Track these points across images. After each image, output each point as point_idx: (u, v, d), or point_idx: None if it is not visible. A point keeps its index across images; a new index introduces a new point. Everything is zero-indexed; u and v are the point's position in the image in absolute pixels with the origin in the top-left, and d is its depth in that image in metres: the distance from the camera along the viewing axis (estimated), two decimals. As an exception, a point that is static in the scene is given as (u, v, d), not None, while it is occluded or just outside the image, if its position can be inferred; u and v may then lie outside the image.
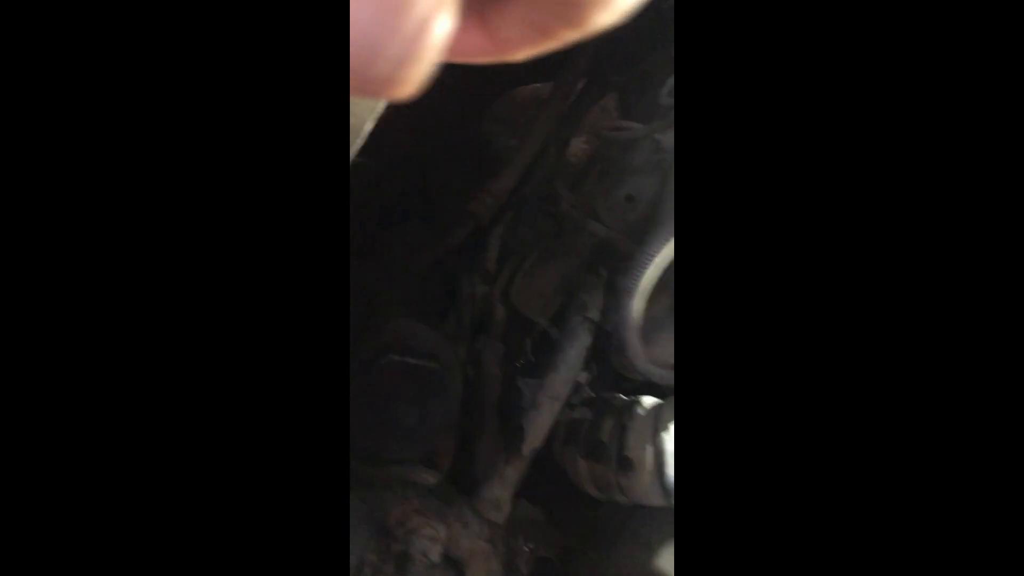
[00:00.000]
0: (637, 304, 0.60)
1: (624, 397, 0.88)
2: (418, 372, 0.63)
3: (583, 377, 0.96)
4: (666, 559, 0.91)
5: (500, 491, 0.81)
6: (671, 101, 0.93)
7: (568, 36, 0.19)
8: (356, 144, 0.43)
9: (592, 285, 0.97)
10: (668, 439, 0.78)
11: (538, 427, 0.84)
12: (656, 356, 0.59)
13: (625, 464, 0.79)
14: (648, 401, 0.85)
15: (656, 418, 0.80)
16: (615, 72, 1.20)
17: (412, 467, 0.65)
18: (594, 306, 0.93)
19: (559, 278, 1.14)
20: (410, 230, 1.01)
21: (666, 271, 0.66)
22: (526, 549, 0.71)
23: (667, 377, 0.65)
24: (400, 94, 0.19)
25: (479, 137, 1.26)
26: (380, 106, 0.43)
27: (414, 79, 0.18)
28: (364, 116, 0.43)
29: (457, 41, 0.19)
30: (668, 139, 0.99)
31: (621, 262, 1.04)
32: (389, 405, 0.63)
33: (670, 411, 0.80)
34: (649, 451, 0.78)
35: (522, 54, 0.23)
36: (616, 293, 1.00)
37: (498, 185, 1.11)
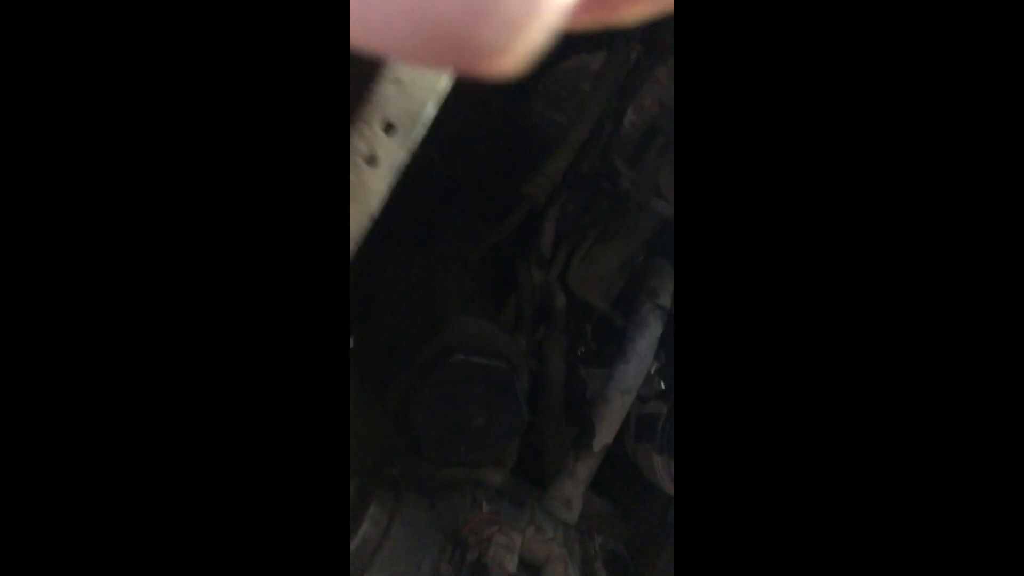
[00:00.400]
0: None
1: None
2: (486, 372, 0.59)
3: (654, 367, 0.91)
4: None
5: (571, 489, 0.76)
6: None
7: None
8: (417, 131, 0.38)
9: (660, 269, 0.91)
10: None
11: (609, 422, 0.79)
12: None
13: (706, 461, 0.74)
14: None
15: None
16: (672, 37, 1.13)
17: (478, 467, 0.62)
18: (664, 291, 0.87)
19: (620, 261, 1.08)
20: (464, 219, 0.97)
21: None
22: (598, 545, 0.67)
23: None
24: (504, 68, 0.14)
25: (529, 116, 1.20)
26: (442, 86, 0.38)
27: (525, 49, 0.13)
28: (424, 98, 0.38)
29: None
30: None
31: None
32: (457, 407, 0.59)
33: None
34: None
35: (631, 14, 0.19)
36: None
37: (552, 165, 1.05)
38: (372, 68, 0.32)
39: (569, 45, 1.37)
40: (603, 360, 0.95)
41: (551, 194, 1.08)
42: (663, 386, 0.87)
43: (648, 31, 1.08)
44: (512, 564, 0.58)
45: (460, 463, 0.62)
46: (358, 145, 0.33)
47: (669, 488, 0.81)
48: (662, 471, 0.79)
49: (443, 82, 0.34)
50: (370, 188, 0.33)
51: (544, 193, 1.05)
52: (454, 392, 0.60)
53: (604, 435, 0.79)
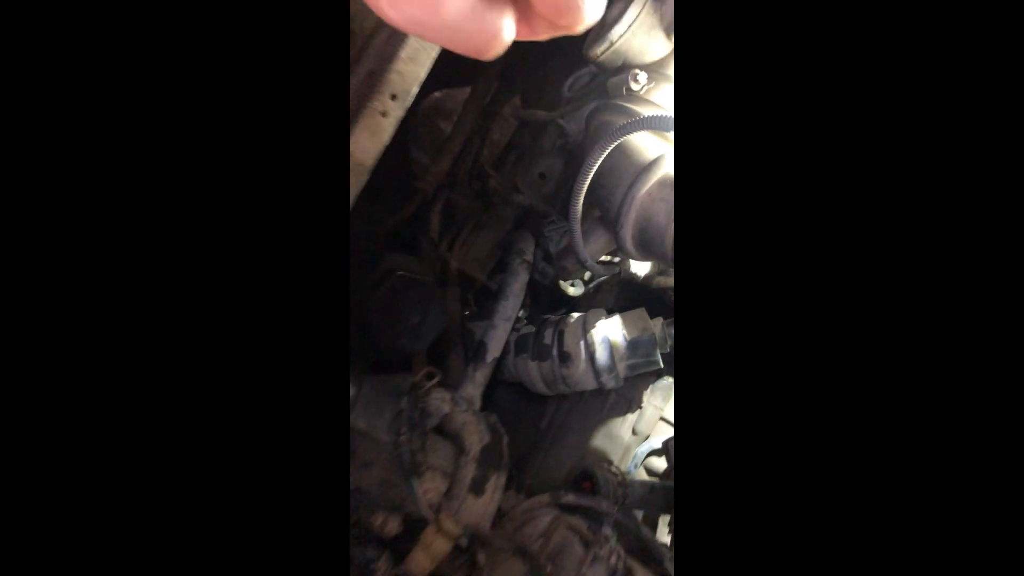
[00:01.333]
0: (575, 224, 0.86)
1: (555, 316, 1.16)
2: (419, 285, 0.86)
3: (521, 313, 1.23)
4: (598, 441, 1.19)
5: (472, 390, 1.04)
6: (572, 95, 1.21)
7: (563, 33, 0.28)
8: (409, 100, 0.66)
9: (524, 236, 1.24)
10: (594, 336, 1.06)
11: (496, 341, 1.09)
12: (593, 254, 0.85)
13: (565, 358, 1.06)
14: (575, 314, 1.13)
15: (584, 322, 1.08)
16: (520, 77, 1.49)
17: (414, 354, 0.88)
18: (528, 251, 1.20)
19: (492, 243, 1.40)
20: (384, 202, 1.22)
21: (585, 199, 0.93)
22: (493, 420, 0.95)
23: (601, 270, 0.91)
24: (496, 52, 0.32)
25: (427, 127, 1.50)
26: (422, 77, 0.66)
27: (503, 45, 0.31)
28: (412, 82, 0.67)
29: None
30: (571, 125, 1.27)
31: (542, 220, 1.32)
32: (399, 310, 0.85)
33: (595, 316, 1.08)
34: (582, 345, 1.06)
35: (545, 35, 0.43)
36: (542, 238, 1.28)
37: (437, 167, 1.35)
38: (384, 59, 0.60)
39: (453, 77, 1.68)
40: (484, 316, 1.24)
41: (436, 189, 1.37)
42: (525, 320, 1.19)
43: (504, 70, 1.43)
44: (445, 407, 0.84)
45: (402, 350, 0.88)
46: (375, 105, 0.60)
47: (543, 389, 1.12)
48: (535, 374, 1.10)
49: (423, 74, 0.63)
50: (383, 129, 0.60)
51: (432, 187, 1.34)
52: (396, 299, 0.86)
53: (494, 350, 1.09)
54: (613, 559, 0.74)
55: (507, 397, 1.18)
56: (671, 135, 0.75)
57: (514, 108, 1.54)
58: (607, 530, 0.79)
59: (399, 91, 0.62)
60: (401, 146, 1.58)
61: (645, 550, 0.84)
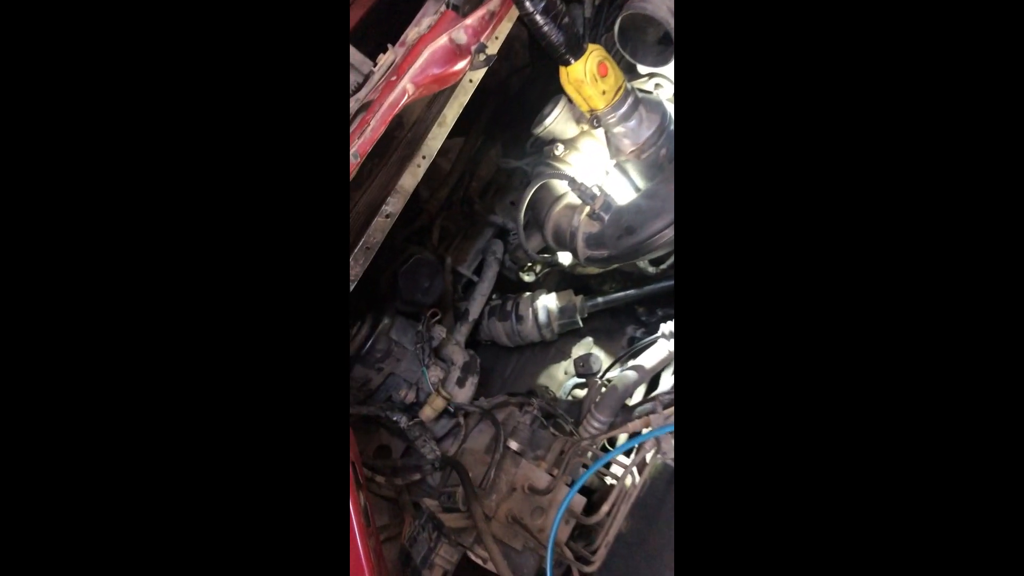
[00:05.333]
0: (520, 227, 1.46)
1: (514, 294, 1.75)
2: (430, 263, 1.45)
3: (493, 295, 1.82)
4: (542, 379, 1.77)
5: (459, 337, 1.63)
6: (533, 150, 1.81)
7: None
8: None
9: (496, 243, 1.84)
10: (538, 304, 1.65)
11: (476, 307, 1.68)
12: (532, 248, 1.44)
13: (519, 319, 1.65)
14: (527, 292, 1.72)
15: (533, 296, 1.68)
16: (501, 130, 2.11)
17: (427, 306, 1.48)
18: (499, 252, 1.80)
19: (475, 249, 1.99)
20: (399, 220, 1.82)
21: (526, 211, 1.52)
22: (478, 363, 1.54)
23: (541, 258, 1.51)
24: None
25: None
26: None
27: None
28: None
29: None
30: (530, 170, 1.87)
31: (509, 233, 1.92)
32: (417, 278, 1.43)
33: (539, 293, 1.68)
34: (530, 310, 1.65)
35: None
36: (508, 245, 1.87)
37: (438, 194, 1.94)
38: (419, 137, 1.19)
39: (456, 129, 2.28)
40: (467, 297, 1.82)
41: (437, 211, 1.95)
42: (495, 296, 1.78)
43: (489, 125, 2.03)
44: (443, 334, 1.44)
45: (418, 302, 1.46)
46: (415, 160, 1.20)
47: (505, 342, 1.71)
48: (500, 330, 1.69)
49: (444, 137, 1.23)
50: (418, 174, 1.20)
51: (434, 209, 1.93)
52: (416, 271, 1.45)
53: (473, 313, 1.68)
54: (535, 412, 1.33)
55: (484, 356, 1.77)
56: (565, 184, 1.35)
57: (496, 154, 2.16)
58: (533, 401, 1.37)
59: (427, 154, 1.22)
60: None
61: (560, 423, 1.42)
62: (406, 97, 1.05)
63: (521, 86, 2.18)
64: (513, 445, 1.28)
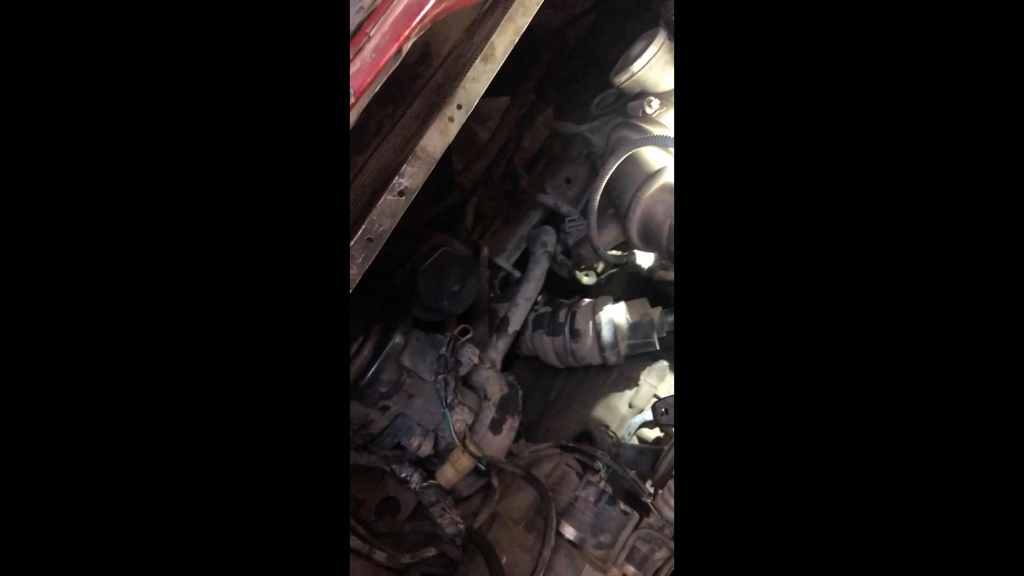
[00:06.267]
0: (592, 217, 1.04)
1: (568, 300, 1.34)
2: (460, 258, 1.05)
3: (540, 298, 1.41)
4: (598, 411, 1.37)
5: (495, 355, 1.23)
6: (599, 112, 1.39)
7: None
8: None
9: (547, 231, 1.43)
10: (602, 317, 1.24)
11: (518, 316, 1.28)
12: (606, 244, 1.02)
13: (575, 334, 1.25)
14: (586, 299, 1.31)
15: (594, 305, 1.27)
16: (556, 89, 1.68)
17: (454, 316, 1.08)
18: (550, 243, 1.39)
19: (518, 236, 1.58)
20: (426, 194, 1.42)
21: (601, 198, 1.11)
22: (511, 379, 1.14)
23: (610, 257, 1.08)
24: None
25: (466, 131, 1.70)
26: None
27: None
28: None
29: None
30: (595, 138, 1.45)
31: (565, 219, 1.50)
32: (443, 279, 1.04)
33: (603, 301, 1.27)
34: (590, 324, 1.24)
35: None
36: (562, 234, 1.46)
37: (476, 165, 1.54)
38: (453, 77, 0.79)
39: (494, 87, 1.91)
40: (507, 298, 1.43)
41: (473, 186, 1.56)
42: (542, 302, 1.37)
43: (541, 84, 1.62)
44: (474, 359, 1.04)
45: (443, 312, 1.07)
46: (445, 112, 0.79)
47: (554, 361, 1.30)
48: (548, 347, 1.29)
49: (482, 90, 0.82)
50: (450, 131, 0.80)
51: (469, 184, 1.53)
52: (441, 269, 1.05)
53: (515, 324, 1.27)
54: (602, 485, 0.92)
55: (522, 372, 1.37)
56: (672, 150, 0.93)
57: (546, 119, 1.73)
58: (599, 465, 0.97)
59: (464, 103, 0.81)
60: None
61: (630, 492, 1.02)
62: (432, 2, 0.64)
63: (580, 39, 1.76)
64: (569, 533, 0.88)
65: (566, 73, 1.72)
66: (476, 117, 1.82)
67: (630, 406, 1.35)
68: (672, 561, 0.90)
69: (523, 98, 1.63)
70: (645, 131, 0.96)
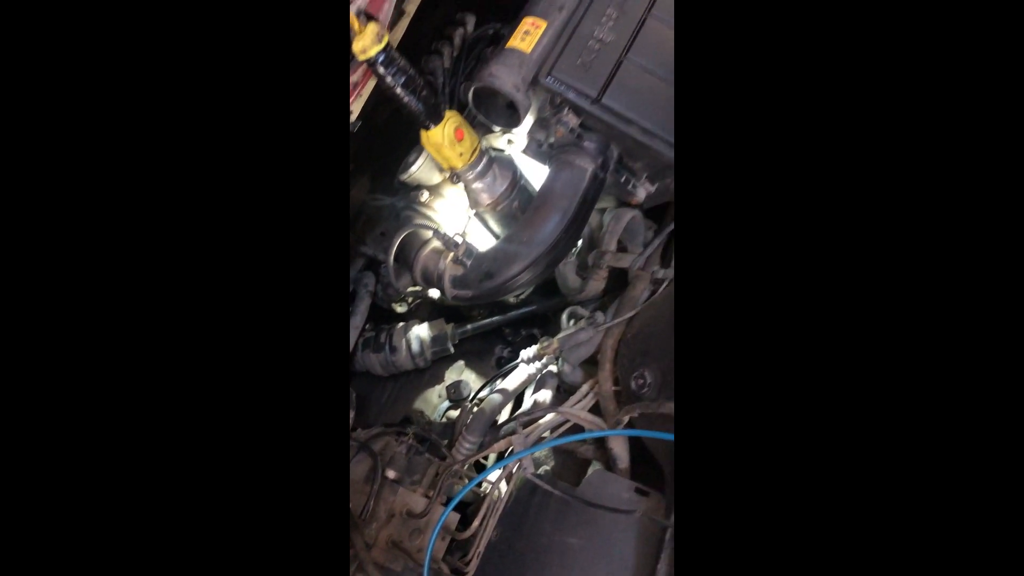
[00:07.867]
0: (390, 270, 1.55)
1: (387, 325, 1.85)
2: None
3: (366, 325, 1.90)
4: (418, 403, 1.88)
5: (335, 371, 1.70)
6: (402, 186, 1.91)
7: None
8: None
9: (368, 275, 1.92)
10: (412, 335, 1.76)
11: (350, 341, 1.76)
12: (402, 286, 1.54)
13: (393, 349, 1.75)
14: (400, 323, 1.82)
15: (406, 326, 1.78)
16: (370, 160, 2.18)
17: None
18: (370, 284, 1.88)
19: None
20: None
21: (397, 248, 1.63)
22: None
23: (411, 294, 1.61)
24: None
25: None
26: None
27: None
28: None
29: None
30: (402, 213, 1.95)
31: (379, 264, 2.00)
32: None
33: (412, 323, 1.79)
34: (404, 341, 1.76)
35: None
36: (380, 276, 1.95)
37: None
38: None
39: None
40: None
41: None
42: (368, 328, 1.87)
43: (356, 153, 2.09)
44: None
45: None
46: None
47: (380, 372, 1.79)
48: (374, 361, 1.78)
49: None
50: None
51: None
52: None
53: (348, 347, 1.75)
54: (411, 442, 1.44)
55: (359, 386, 1.85)
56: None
57: (364, 185, 2.22)
58: (409, 431, 1.49)
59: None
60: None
61: (434, 444, 1.54)
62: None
63: (388, 116, 2.27)
64: (390, 474, 1.38)
65: (378, 146, 2.20)
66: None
67: (439, 396, 1.89)
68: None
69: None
70: (420, 214, 1.51)
